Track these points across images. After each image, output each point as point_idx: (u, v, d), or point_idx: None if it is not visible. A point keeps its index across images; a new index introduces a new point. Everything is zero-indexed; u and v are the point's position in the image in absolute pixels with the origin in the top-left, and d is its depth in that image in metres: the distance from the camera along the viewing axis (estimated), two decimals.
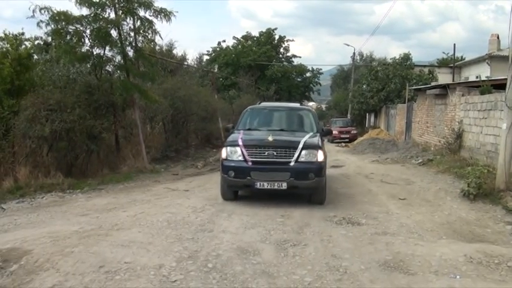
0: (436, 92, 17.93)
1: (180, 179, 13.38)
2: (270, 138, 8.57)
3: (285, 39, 51.32)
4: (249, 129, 9.89)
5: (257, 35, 50.92)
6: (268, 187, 8.38)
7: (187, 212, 8.19)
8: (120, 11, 13.58)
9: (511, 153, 9.32)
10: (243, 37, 50.88)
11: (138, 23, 13.99)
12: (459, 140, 14.88)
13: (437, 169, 13.59)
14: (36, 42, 16.08)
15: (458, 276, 5.08)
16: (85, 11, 13.08)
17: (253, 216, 7.78)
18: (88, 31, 13.39)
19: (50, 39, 14.00)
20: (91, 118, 12.59)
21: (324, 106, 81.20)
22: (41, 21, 12.32)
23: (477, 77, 24.70)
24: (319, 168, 8.49)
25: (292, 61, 52.28)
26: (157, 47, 19.72)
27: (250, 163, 8.45)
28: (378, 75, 34.09)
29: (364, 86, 36.60)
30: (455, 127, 15.29)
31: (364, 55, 59.48)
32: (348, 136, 33.50)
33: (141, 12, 13.91)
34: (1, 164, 11.73)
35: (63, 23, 12.72)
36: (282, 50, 51.86)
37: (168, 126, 19.12)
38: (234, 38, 51.11)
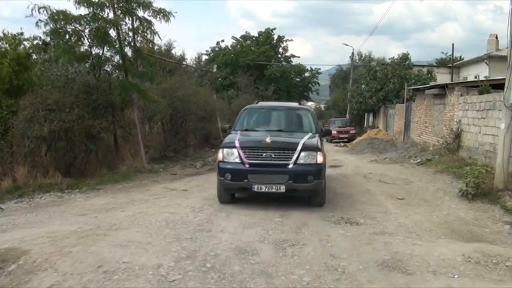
0: (434, 92, 17.94)
1: (178, 178, 13.37)
2: (268, 140, 8.34)
3: (284, 39, 51.49)
4: (246, 130, 9.69)
5: (256, 34, 51.07)
6: (266, 190, 8.16)
7: (186, 211, 8.19)
8: (119, 11, 13.56)
9: (509, 153, 9.35)
10: (241, 37, 50.98)
11: (137, 23, 13.98)
12: (458, 139, 14.91)
13: (436, 169, 13.61)
14: (35, 42, 16.06)
15: (456, 276, 5.09)
16: (84, 11, 13.09)
17: (251, 216, 7.78)
18: (87, 31, 13.37)
19: (48, 39, 13.94)
20: (90, 118, 12.57)
21: (322, 106, 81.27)
22: (40, 20, 12.29)
23: (476, 77, 24.73)
24: (318, 171, 8.27)
25: (291, 61, 52.44)
26: (156, 47, 19.66)
27: (247, 165, 8.24)
28: (376, 75, 34.11)
29: (363, 86, 36.63)
30: (454, 127, 15.31)
31: (363, 55, 59.55)
32: (347, 136, 33.53)
33: (140, 13, 13.90)
34: (0, 164, 11.71)
35: (62, 22, 12.69)
36: (280, 49, 52.03)
37: (166, 126, 19.10)
38: (233, 37, 51.33)
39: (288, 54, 52.48)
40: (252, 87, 42.58)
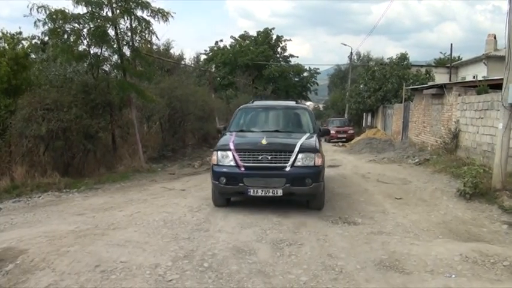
0: (433, 92, 17.95)
1: (176, 178, 13.37)
2: (264, 141, 8.06)
3: (283, 38, 51.51)
4: (241, 131, 9.38)
5: (255, 34, 51.06)
6: (263, 194, 7.83)
7: (184, 211, 8.20)
8: (118, 11, 13.55)
9: (507, 153, 9.37)
10: (240, 37, 50.99)
11: (135, 22, 13.96)
12: (456, 139, 14.93)
13: (434, 169, 13.63)
14: (33, 42, 16.04)
15: (453, 276, 5.10)
16: (82, 10, 13.07)
17: (249, 215, 7.77)
18: (85, 30, 13.35)
19: (47, 38, 13.92)
20: (88, 117, 12.55)
21: (321, 106, 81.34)
22: (38, 20, 12.29)
23: (474, 77, 24.77)
24: (317, 173, 7.92)
25: (290, 61, 52.46)
26: (154, 47, 19.64)
27: (242, 168, 7.91)
28: (375, 75, 34.13)
29: (361, 86, 36.65)
30: (452, 127, 15.33)
31: (362, 55, 59.68)
32: (345, 136, 33.51)
33: (139, 12, 13.89)
34: None
35: (61, 21, 12.68)
36: (279, 49, 52.02)
37: (165, 125, 19.08)
38: (232, 37, 51.32)
39: (286, 54, 52.57)
40: (250, 87, 42.60)
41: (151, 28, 14.14)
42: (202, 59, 49.77)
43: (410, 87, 25.44)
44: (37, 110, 11.62)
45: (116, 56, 14.54)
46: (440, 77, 32.44)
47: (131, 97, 14.82)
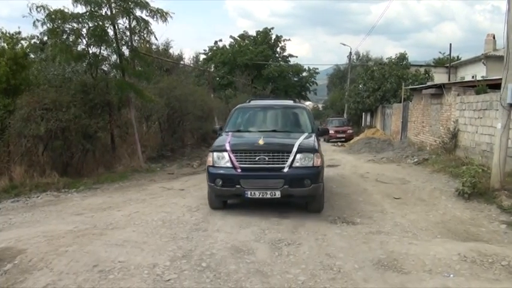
0: (431, 92, 17.96)
1: (175, 178, 13.36)
2: (261, 142, 7.82)
3: (282, 38, 51.55)
4: (238, 131, 9.15)
5: (254, 34, 51.05)
6: (260, 196, 7.59)
7: (182, 211, 8.20)
8: (116, 10, 13.55)
9: (505, 153, 9.37)
10: (239, 36, 51.01)
11: (134, 22, 13.96)
12: (454, 139, 14.94)
13: (433, 168, 13.63)
14: (32, 41, 16.05)
15: (451, 275, 5.10)
16: (81, 10, 13.08)
17: (248, 215, 7.76)
18: (84, 30, 13.36)
19: (46, 38, 13.92)
20: (86, 117, 12.55)
21: (320, 106, 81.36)
22: (37, 20, 12.30)
23: (473, 77, 24.78)
24: (316, 174, 7.69)
25: (289, 61, 52.45)
26: (153, 47, 19.65)
27: (239, 170, 7.66)
28: (374, 75, 34.13)
29: (361, 86, 36.66)
30: (451, 127, 15.34)
31: (361, 55, 59.65)
32: (344, 136, 33.51)
33: (137, 12, 13.90)
34: None
35: (60, 21, 12.68)
36: (278, 49, 52.01)
37: (164, 125, 19.08)
38: (231, 37, 51.34)
39: (285, 53, 52.59)
40: (249, 87, 42.57)
41: (150, 28, 14.16)
42: (201, 59, 49.84)
43: (409, 87, 25.44)
44: (36, 110, 11.60)
45: (114, 56, 14.57)
46: (440, 76, 32.43)
47: (130, 97, 14.82)
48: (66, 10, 12.63)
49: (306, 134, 8.65)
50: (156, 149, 17.64)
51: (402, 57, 34.19)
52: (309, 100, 63.47)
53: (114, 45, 13.92)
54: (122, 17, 13.76)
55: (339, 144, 30.35)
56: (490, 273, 5.18)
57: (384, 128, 32.23)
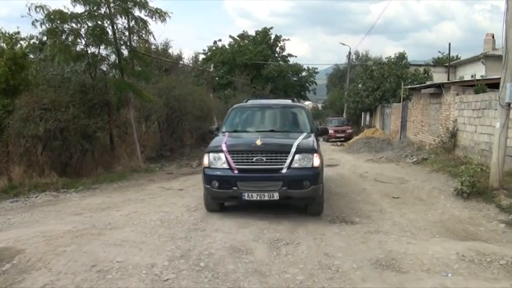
0: (431, 91, 17.97)
1: (174, 178, 13.36)
2: (259, 142, 7.53)
3: (281, 38, 51.46)
4: (235, 131, 8.92)
5: (253, 34, 51.03)
6: (258, 198, 7.36)
7: (181, 211, 8.20)
8: (115, 10, 13.56)
9: (504, 152, 9.37)
10: (239, 36, 50.97)
11: (133, 22, 13.97)
12: (453, 139, 14.95)
13: (432, 168, 13.62)
14: (31, 42, 16.03)
15: (450, 274, 5.11)
16: (79, 10, 13.09)
17: (246, 215, 7.74)
18: (83, 30, 13.36)
19: (45, 38, 13.92)
20: (85, 117, 12.56)
21: (320, 105, 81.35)
22: (36, 20, 12.30)
23: (472, 76, 24.79)
24: (315, 175, 7.45)
25: (288, 60, 52.40)
26: (152, 46, 19.65)
27: (236, 171, 7.43)
28: (373, 75, 34.11)
29: (360, 85, 36.62)
30: (450, 126, 15.35)
31: (360, 54, 59.58)
32: (344, 135, 33.50)
33: (136, 12, 13.91)
34: None
35: (59, 21, 12.69)
36: (278, 49, 51.94)
37: (163, 125, 19.09)
38: (230, 37, 51.32)
39: (285, 53, 52.51)
40: (249, 87, 42.56)
41: (148, 28, 14.17)
42: (200, 59, 49.83)
43: (409, 86, 25.45)
44: (35, 110, 11.61)
45: (113, 56, 14.58)
46: (439, 76, 32.42)
47: (129, 97, 14.83)
48: (65, 10, 12.66)
49: (304, 134, 8.43)
50: (155, 149, 17.65)
51: (401, 56, 34.16)
52: (308, 100, 63.45)
53: (113, 44, 13.92)
54: (121, 17, 13.78)
55: (338, 143, 30.36)
56: (488, 273, 5.19)
57: (383, 127, 32.24)
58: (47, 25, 12.55)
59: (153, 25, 17.05)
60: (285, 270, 5.24)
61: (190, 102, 19.41)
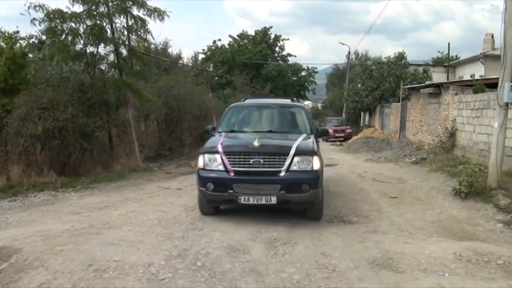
0: (430, 91, 17.99)
1: (173, 177, 13.35)
2: (256, 143, 7.23)
3: (281, 38, 51.44)
4: (232, 131, 8.61)
5: (253, 33, 51.04)
6: (255, 202, 7.05)
7: (179, 210, 8.20)
8: (113, 9, 13.56)
9: (503, 152, 9.39)
10: (238, 36, 50.97)
11: (131, 21, 13.97)
12: (452, 138, 14.97)
13: (430, 168, 13.64)
14: (31, 41, 16.02)
15: (447, 274, 5.11)
16: (78, 9, 13.10)
17: (244, 215, 7.70)
18: (82, 29, 13.36)
19: (44, 37, 13.92)
20: (84, 116, 12.53)
21: (319, 105, 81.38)
22: (35, 19, 12.31)
23: (471, 76, 24.79)
24: (314, 179, 7.13)
25: (288, 60, 52.41)
26: (152, 46, 19.65)
27: (232, 174, 7.13)
28: (372, 74, 34.12)
29: (359, 85, 36.62)
30: (449, 126, 15.36)
31: (360, 54, 59.58)
32: (343, 135, 33.53)
33: (135, 11, 13.92)
34: None
35: (58, 20, 12.69)
36: (277, 48, 51.95)
37: (161, 124, 19.09)
38: (230, 36, 51.31)
39: (284, 53, 52.51)
40: (248, 86, 42.55)
41: (147, 27, 14.17)
42: (200, 58, 49.84)
43: (408, 86, 25.46)
44: (33, 109, 11.59)
45: (112, 55, 14.57)
46: (438, 76, 32.45)
47: (128, 96, 14.83)
48: (65, 10, 12.68)
49: (304, 135, 8.12)
50: (153, 149, 17.65)
51: (401, 56, 34.20)
52: (308, 99, 63.46)
53: (112, 43, 13.92)
54: (120, 16, 13.78)
55: (338, 143, 30.38)
56: (485, 272, 5.19)
57: (382, 127, 32.26)
58: (46, 24, 12.55)
59: (152, 24, 17.03)
60: (281, 269, 5.23)
61: (189, 101, 19.41)
